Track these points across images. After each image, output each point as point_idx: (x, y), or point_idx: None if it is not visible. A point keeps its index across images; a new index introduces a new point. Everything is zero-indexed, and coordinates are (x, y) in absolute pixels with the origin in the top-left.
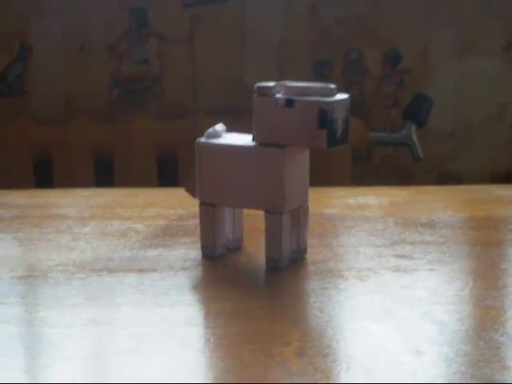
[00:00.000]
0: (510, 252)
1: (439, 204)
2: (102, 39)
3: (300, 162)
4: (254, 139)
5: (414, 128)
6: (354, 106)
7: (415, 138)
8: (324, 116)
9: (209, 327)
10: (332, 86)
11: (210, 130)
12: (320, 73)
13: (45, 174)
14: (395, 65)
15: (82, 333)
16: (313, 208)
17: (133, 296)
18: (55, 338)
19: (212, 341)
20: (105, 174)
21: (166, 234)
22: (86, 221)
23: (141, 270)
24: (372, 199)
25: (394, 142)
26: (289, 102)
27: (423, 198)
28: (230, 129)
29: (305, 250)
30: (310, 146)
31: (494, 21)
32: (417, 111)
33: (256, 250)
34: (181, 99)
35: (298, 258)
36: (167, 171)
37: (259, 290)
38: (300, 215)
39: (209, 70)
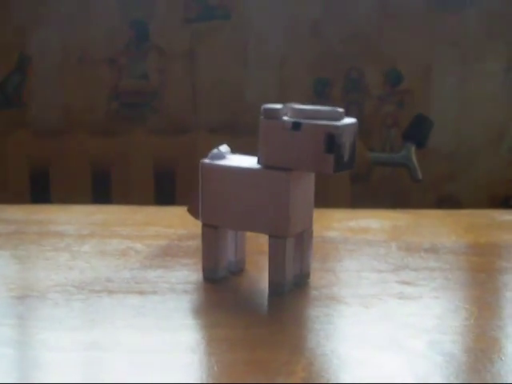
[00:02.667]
0: None
1: (442, 229)
2: (101, 52)
3: (305, 186)
4: (259, 161)
5: (413, 149)
6: None
7: (414, 159)
8: (331, 140)
9: (212, 354)
10: (340, 109)
11: (215, 150)
12: (320, 91)
13: (42, 186)
14: (396, 85)
15: (80, 358)
16: (314, 230)
17: (133, 319)
18: (53, 362)
19: (216, 369)
20: (102, 189)
21: (167, 255)
22: (84, 239)
23: (141, 292)
24: (373, 222)
25: (393, 162)
26: (296, 125)
27: (425, 222)
28: (229, 145)
29: (308, 275)
30: (316, 170)
31: (496, 42)
32: (417, 132)
33: (258, 273)
34: (180, 115)
35: (300, 283)
36: (165, 187)
37: (262, 316)
38: (304, 239)
39: (209, 86)
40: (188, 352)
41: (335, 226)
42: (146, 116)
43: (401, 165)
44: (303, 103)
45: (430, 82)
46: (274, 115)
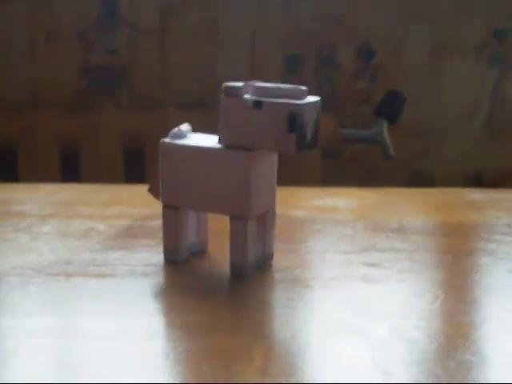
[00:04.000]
0: (481, 262)
1: (411, 208)
2: (70, 26)
3: (268, 166)
4: (220, 141)
5: (385, 125)
6: (325, 101)
7: (387, 136)
8: (294, 119)
9: (169, 340)
10: (303, 87)
11: (175, 129)
12: (292, 67)
13: (9, 165)
14: (368, 60)
15: (36, 345)
16: (280, 210)
17: (91, 304)
18: (6, 349)
19: (171, 356)
20: (71, 167)
21: (128, 236)
22: (46, 219)
23: (100, 276)
24: (341, 201)
25: (365, 139)
26: (257, 104)
27: (394, 201)
28: (199, 122)
29: (271, 256)
30: (278, 150)
31: (469, 20)
32: (389, 108)
33: (220, 254)
34: (150, 91)
35: (263, 265)
36: (134, 165)
37: (223, 300)
38: (267, 220)
39: (180, 62)
40: (144, 338)
41: (302, 204)
42: (116, 92)
43: (373, 141)
44: (274, 80)
45: (403, 58)
46: (234, 93)
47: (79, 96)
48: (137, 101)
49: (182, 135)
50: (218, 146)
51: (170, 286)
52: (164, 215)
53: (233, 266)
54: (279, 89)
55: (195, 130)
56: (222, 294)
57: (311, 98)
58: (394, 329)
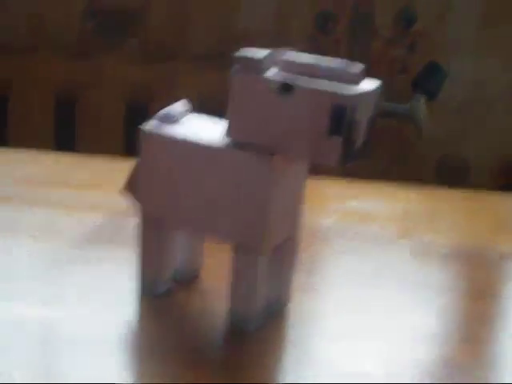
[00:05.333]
0: None
1: (463, 220)
2: None
3: (293, 178)
4: (228, 134)
5: (423, 101)
6: None
7: (423, 113)
8: (339, 116)
9: None
10: (357, 66)
11: (165, 110)
12: (322, 26)
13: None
14: (408, 26)
15: None
16: None
17: None
18: None
19: None
20: (66, 118)
21: (99, 240)
22: None
23: (41, 320)
24: (379, 204)
25: (397, 114)
26: (286, 88)
27: (442, 208)
28: (216, 81)
29: (285, 303)
30: (311, 158)
31: None
32: (428, 82)
33: (216, 285)
34: (163, 39)
35: (273, 314)
36: (138, 123)
37: (209, 369)
38: (284, 252)
39: (198, 9)
40: None
41: (330, 206)
42: (125, 39)
43: (407, 117)
44: (301, 40)
45: (447, 26)
46: (253, 68)
47: (82, 41)
48: (146, 50)
49: (173, 119)
50: (225, 141)
51: (142, 339)
52: (142, 229)
53: (233, 316)
54: (321, 66)
55: (211, 90)
56: (209, 359)
57: (368, 84)
58: None
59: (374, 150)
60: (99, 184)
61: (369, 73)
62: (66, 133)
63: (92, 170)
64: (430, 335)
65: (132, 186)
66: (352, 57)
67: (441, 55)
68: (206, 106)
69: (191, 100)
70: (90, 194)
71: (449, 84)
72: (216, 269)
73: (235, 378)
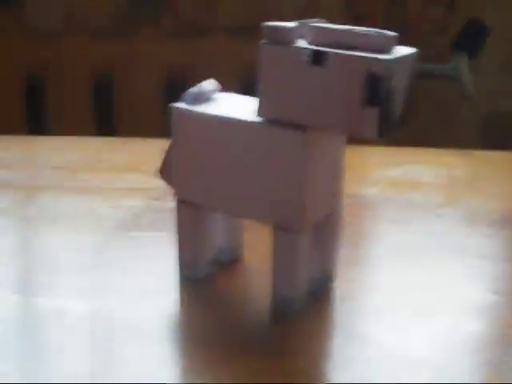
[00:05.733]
0: None
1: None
2: None
3: (331, 153)
4: (259, 113)
5: (465, 60)
6: (394, 30)
7: (467, 72)
8: (375, 84)
9: None
10: (390, 33)
11: (195, 88)
12: None
13: (36, 95)
14: None
15: None
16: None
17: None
18: None
19: None
20: (104, 98)
21: (137, 226)
22: (34, 196)
23: (85, 310)
24: (423, 171)
25: (440, 74)
26: (318, 57)
27: (490, 174)
28: (248, 54)
29: (331, 279)
30: (348, 130)
31: None
32: (470, 40)
33: (259, 267)
34: (197, 15)
35: (320, 291)
36: (175, 99)
37: (257, 355)
38: (326, 229)
39: None
40: None
41: (373, 175)
42: (158, 16)
43: (449, 78)
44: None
45: None
46: (283, 38)
47: (116, 20)
48: (181, 27)
49: (203, 97)
50: (257, 118)
51: (185, 326)
52: (178, 213)
53: (276, 297)
54: (354, 33)
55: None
56: (256, 343)
57: (402, 50)
58: None
59: (414, 116)
60: (138, 167)
61: (406, 34)
62: (104, 116)
63: (130, 152)
64: (484, 308)
65: (166, 169)
66: (389, 18)
67: (481, 12)
68: (247, 79)
69: (231, 74)
70: (129, 178)
71: (490, 41)
72: (258, 248)
73: (283, 365)
